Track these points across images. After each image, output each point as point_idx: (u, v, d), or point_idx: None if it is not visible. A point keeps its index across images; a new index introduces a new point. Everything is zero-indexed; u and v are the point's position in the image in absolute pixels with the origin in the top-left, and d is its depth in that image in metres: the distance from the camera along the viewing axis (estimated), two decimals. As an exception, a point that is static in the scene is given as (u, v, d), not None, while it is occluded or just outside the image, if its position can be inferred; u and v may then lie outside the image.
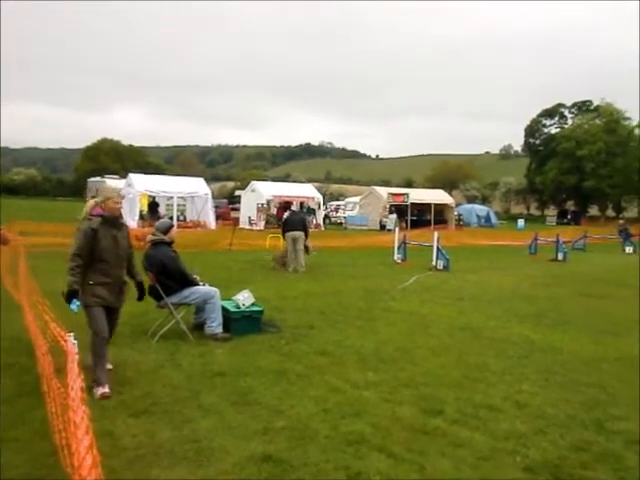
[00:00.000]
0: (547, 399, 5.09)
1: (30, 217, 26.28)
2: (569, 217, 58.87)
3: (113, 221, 5.14)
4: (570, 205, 69.38)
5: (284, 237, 14.18)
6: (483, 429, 4.34)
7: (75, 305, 4.82)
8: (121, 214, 5.41)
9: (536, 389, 5.36)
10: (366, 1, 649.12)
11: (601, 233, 31.39)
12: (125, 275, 5.33)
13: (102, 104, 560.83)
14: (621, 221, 33.96)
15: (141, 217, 27.21)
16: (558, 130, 72.42)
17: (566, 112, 74.42)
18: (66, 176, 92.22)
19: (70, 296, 4.83)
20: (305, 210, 30.98)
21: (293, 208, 18.92)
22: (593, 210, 69.23)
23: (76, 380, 2.87)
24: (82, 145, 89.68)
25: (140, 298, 5.65)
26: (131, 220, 26.97)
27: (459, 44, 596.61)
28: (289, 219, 14.37)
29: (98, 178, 42.56)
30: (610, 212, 67.44)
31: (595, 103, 69.98)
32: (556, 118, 74.73)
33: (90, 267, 4.99)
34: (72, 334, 3.55)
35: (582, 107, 72.64)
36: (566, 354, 6.72)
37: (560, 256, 19.18)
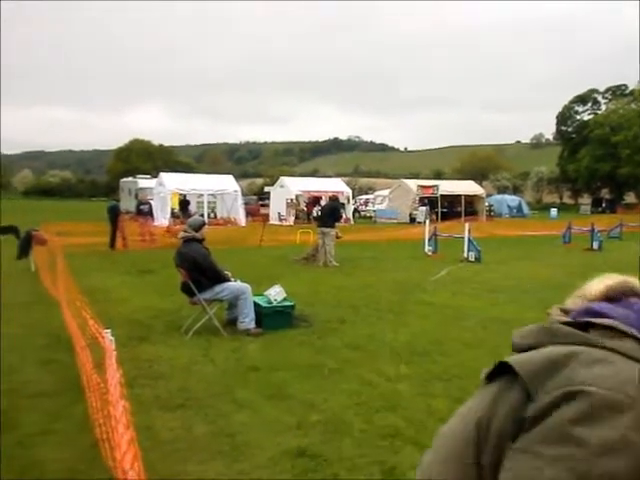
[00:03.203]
0: (585, 391, 4.98)
1: (66, 218, 26.94)
2: (604, 205, 57.36)
3: None
4: (605, 193, 67.60)
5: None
6: (519, 422, 4.27)
7: None
8: None
9: (573, 381, 5.25)
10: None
11: (638, 221, 30.51)
12: None
13: (131, 106, 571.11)
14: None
15: (173, 215, 27.79)
16: (591, 116, 70.63)
17: (599, 97, 72.54)
18: (99, 177, 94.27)
19: None
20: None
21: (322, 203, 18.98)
22: (629, 198, 67.35)
23: (114, 375, 2.94)
24: (114, 146, 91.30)
25: None
26: (163, 218, 27.55)
27: (482, 32, 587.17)
28: (321, 212, 14.43)
29: (130, 178, 43.23)
30: (647, 199, 65.55)
31: (630, 87, 68.02)
32: (589, 104, 72.88)
33: None
34: (109, 330, 3.62)
35: (616, 92, 70.65)
36: (604, 345, 6.57)
37: (595, 245, 18.72)
